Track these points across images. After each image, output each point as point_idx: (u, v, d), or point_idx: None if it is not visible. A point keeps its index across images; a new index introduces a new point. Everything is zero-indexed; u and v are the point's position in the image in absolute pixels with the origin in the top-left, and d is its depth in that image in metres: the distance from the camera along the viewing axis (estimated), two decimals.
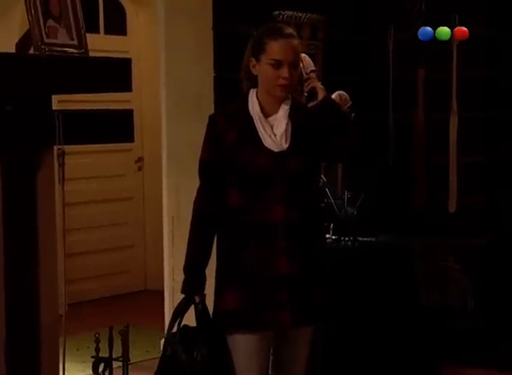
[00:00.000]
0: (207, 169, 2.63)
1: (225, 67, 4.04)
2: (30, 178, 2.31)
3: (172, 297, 4.03)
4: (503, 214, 4.68)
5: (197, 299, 2.54)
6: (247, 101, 2.57)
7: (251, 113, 2.54)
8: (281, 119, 2.54)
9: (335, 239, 4.03)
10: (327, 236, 4.08)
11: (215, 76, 4.01)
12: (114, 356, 3.52)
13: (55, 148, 2.33)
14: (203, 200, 2.62)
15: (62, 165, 2.38)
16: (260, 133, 2.52)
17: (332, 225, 4.09)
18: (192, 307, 2.56)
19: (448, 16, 4.37)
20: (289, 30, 2.57)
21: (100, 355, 3.49)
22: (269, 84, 2.52)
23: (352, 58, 4.61)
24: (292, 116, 2.55)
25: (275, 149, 2.50)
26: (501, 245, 4.59)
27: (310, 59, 4.48)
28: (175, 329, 2.57)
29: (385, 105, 4.55)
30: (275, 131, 2.52)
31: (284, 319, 2.48)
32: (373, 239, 4.09)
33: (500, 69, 4.63)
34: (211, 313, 2.57)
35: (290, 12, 4.28)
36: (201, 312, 2.53)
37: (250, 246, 2.49)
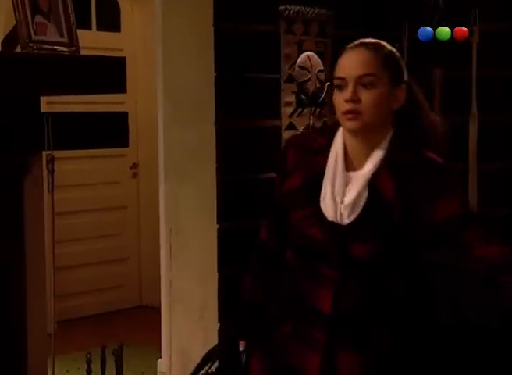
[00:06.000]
0: (276, 204, 2.16)
1: (227, 66, 4.04)
2: (17, 186, 2.31)
3: (169, 313, 4.02)
4: None
5: (241, 346, 2.18)
6: (332, 139, 2.07)
7: (329, 159, 2.03)
8: (358, 179, 2.00)
9: None
10: None
11: (216, 76, 4.01)
12: None
13: (44, 153, 2.33)
14: (268, 234, 2.19)
15: (51, 171, 2.38)
16: (322, 191, 2.02)
17: None
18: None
19: (467, 13, 4.37)
20: (371, 41, 2.10)
21: None
22: (338, 115, 2.03)
23: None
24: (391, 171, 1.99)
25: (332, 219, 2.00)
26: None
27: (318, 58, 4.51)
28: None
29: None
30: (345, 197, 1.99)
31: None
32: None
33: None
34: None
35: (297, 7, 4.29)
36: (244, 365, 2.16)
37: (288, 322, 2.07)
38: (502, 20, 4.45)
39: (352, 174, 2.01)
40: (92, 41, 5.02)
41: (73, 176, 5.53)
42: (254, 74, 4.14)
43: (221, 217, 4.02)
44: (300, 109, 4.31)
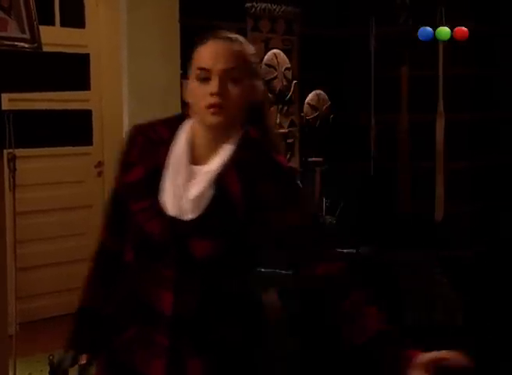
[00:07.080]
0: (113, 198, 2.11)
1: None
2: None
3: None
4: (494, 223, 4.72)
5: (82, 359, 2.08)
6: (175, 131, 1.98)
7: (173, 151, 1.96)
8: (204, 174, 1.93)
9: None
10: None
11: (182, 74, 4.00)
12: None
13: (5, 151, 2.31)
14: (105, 235, 2.15)
15: (12, 170, 2.36)
16: (162, 183, 1.93)
17: None
18: None
19: (433, 10, 4.40)
20: (232, 35, 2.06)
21: None
22: (198, 108, 1.93)
23: (330, 55, 4.62)
24: (239, 171, 1.93)
25: (173, 213, 1.91)
26: (491, 257, 4.62)
27: (285, 56, 4.52)
28: None
29: (367, 106, 4.57)
30: (188, 192, 1.91)
31: None
32: (353, 251, 4.10)
33: (491, 67, 4.67)
34: None
35: (264, 5, 4.30)
36: None
37: (131, 328, 1.98)
38: (467, 19, 4.49)
39: (197, 168, 1.94)
40: (56, 38, 4.98)
41: (36, 175, 5.48)
42: None
43: None
44: None
